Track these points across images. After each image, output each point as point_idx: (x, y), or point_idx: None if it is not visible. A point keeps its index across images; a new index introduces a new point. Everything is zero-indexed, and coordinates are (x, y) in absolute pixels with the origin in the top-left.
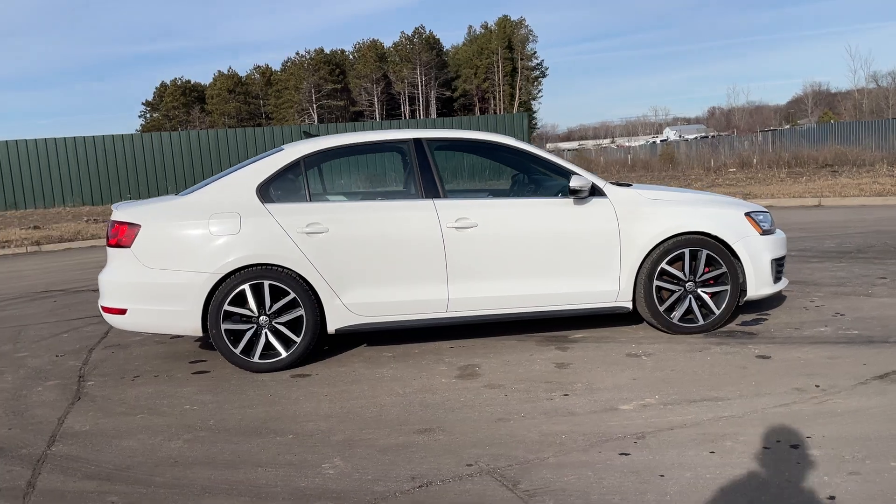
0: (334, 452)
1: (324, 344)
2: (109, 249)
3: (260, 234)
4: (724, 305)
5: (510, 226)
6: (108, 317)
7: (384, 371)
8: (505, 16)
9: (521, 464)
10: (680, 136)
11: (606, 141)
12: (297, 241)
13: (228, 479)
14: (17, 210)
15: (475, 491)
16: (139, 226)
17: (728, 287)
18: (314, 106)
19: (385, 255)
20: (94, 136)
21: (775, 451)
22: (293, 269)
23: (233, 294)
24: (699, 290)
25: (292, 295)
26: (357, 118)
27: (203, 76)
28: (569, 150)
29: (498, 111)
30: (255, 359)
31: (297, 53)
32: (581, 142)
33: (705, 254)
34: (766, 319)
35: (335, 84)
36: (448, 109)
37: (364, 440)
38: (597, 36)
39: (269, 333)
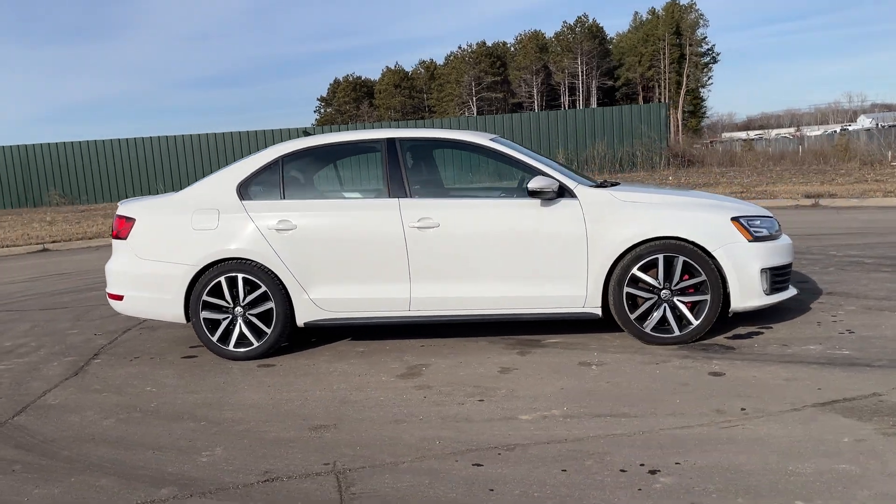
0: (224, 442)
1: (311, 336)
2: (113, 241)
3: (235, 230)
4: (703, 316)
5: (472, 226)
6: (111, 302)
7: (340, 366)
8: (673, 1)
9: (375, 467)
10: (877, 125)
11: (789, 130)
12: (267, 237)
13: (118, 458)
14: None
15: (307, 490)
16: (134, 220)
17: (708, 297)
18: (474, 98)
19: (350, 253)
20: (272, 130)
21: (629, 475)
22: (264, 263)
23: (210, 285)
24: (675, 299)
25: (264, 288)
26: (516, 110)
27: (372, 72)
28: (738, 139)
29: (663, 99)
30: (231, 347)
31: (460, 47)
32: (760, 131)
33: (682, 260)
34: (761, 333)
35: (495, 76)
36: (609, 99)
37: (259, 432)
38: (779, 18)
39: (243, 324)
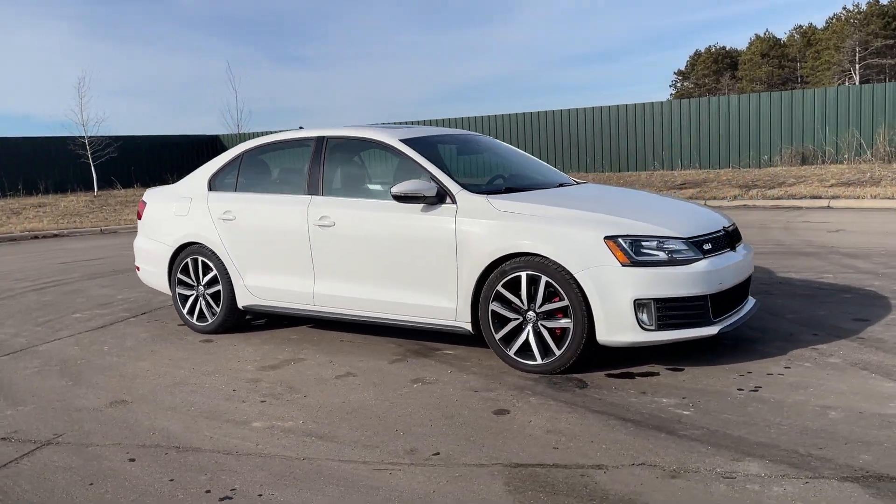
0: (33, 403)
1: (284, 320)
2: (138, 221)
3: (198, 217)
4: (565, 345)
5: (361, 228)
6: (137, 272)
7: (243, 349)
8: None
9: (68, 444)
10: None
11: None
12: (216, 225)
13: None
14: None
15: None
16: (145, 204)
17: (571, 324)
18: (856, 66)
19: (272, 246)
20: (626, 105)
21: (211, 496)
22: (214, 249)
23: (182, 265)
24: (539, 323)
25: (214, 272)
26: None
27: (738, 42)
28: None
29: None
30: (194, 320)
31: (844, 8)
32: None
33: (544, 281)
34: (653, 375)
35: (887, 39)
36: None
37: (76, 400)
38: None
39: (202, 301)
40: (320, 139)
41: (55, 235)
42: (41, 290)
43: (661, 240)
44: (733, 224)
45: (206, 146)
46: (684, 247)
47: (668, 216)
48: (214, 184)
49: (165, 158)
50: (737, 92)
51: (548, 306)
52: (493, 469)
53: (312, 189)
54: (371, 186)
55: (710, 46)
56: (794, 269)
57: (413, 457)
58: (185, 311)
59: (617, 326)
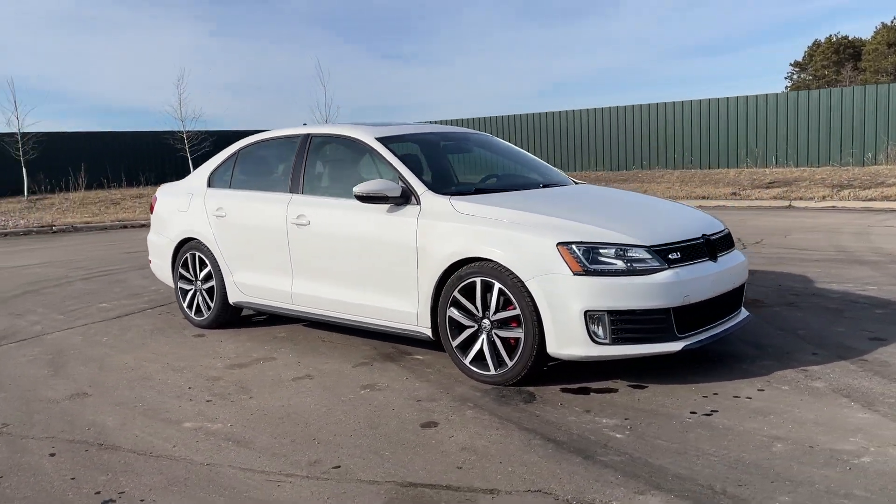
0: (6, 392)
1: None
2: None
3: (196, 213)
4: (517, 356)
5: (333, 228)
6: (150, 265)
7: (225, 345)
8: None
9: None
10: None
11: None
12: (210, 221)
13: None
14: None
15: None
16: (157, 198)
17: (523, 334)
18: None
19: (257, 243)
20: (718, 98)
21: (81, 493)
22: (208, 245)
23: (181, 259)
24: (494, 332)
25: (209, 267)
26: None
27: (862, 30)
28: None
29: None
30: (192, 315)
31: None
32: None
33: (497, 288)
34: (610, 391)
35: None
36: None
37: (45, 391)
38: None
39: (198, 297)
40: (306, 136)
41: (142, 225)
42: (90, 279)
43: (621, 247)
44: (722, 231)
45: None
46: (647, 255)
47: (643, 222)
48: (212, 180)
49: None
50: (860, 83)
51: (501, 314)
52: (383, 487)
53: (294, 187)
54: (350, 186)
55: (830, 36)
56: (840, 278)
57: (312, 469)
58: (185, 305)
59: (567, 338)
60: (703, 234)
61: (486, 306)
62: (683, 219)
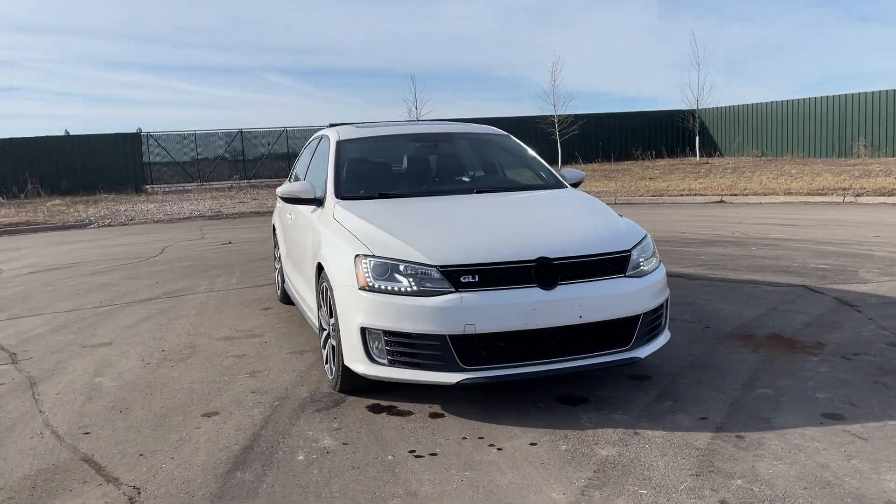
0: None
1: None
2: None
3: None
4: (334, 364)
5: (293, 225)
6: None
7: (250, 320)
8: None
9: None
10: None
11: None
12: (279, 212)
13: None
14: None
15: None
16: None
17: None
18: None
19: (286, 235)
20: None
21: None
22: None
23: None
24: (331, 341)
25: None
26: None
27: None
28: None
29: None
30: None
31: None
32: None
33: (329, 294)
34: (407, 415)
35: None
36: None
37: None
38: None
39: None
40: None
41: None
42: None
43: (412, 266)
44: (589, 255)
45: (665, 121)
46: (438, 276)
47: (469, 239)
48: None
49: (628, 134)
50: None
51: (333, 321)
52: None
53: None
54: None
55: None
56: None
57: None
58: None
59: (352, 353)
60: (541, 257)
61: (331, 312)
62: (533, 237)
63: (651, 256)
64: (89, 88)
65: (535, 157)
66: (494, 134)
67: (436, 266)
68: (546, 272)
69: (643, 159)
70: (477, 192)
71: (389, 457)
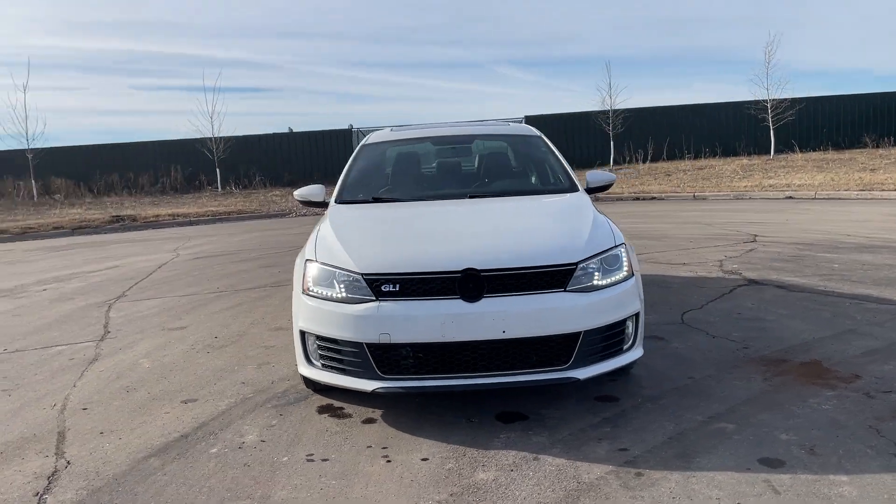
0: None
1: None
2: None
3: None
4: None
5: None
6: None
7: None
8: None
9: None
10: None
11: None
12: None
13: None
14: None
15: None
16: None
17: None
18: None
19: None
20: None
21: None
22: None
23: None
24: None
25: None
26: None
27: None
28: None
29: None
30: None
31: None
32: None
33: None
34: (346, 417)
35: None
36: None
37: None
38: None
39: None
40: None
41: (653, 199)
42: None
43: (344, 272)
44: (508, 269)
45: None
46: (363, 284)
47: (413, 246)
48: None
49: (857, 119)
50: None
51: None
52: None
53: None
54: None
55: None
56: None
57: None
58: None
59: (297, 355)
60: (468, 269)
61: None
62: (468, 248)
63: (616, 269)
64: (315, 84)
65: (556, 159)
66: (521, 135)
67: (361, 274)
68: (471, 284)
69: (878, 147)
70: (470, 198)
71: (284, 458)
